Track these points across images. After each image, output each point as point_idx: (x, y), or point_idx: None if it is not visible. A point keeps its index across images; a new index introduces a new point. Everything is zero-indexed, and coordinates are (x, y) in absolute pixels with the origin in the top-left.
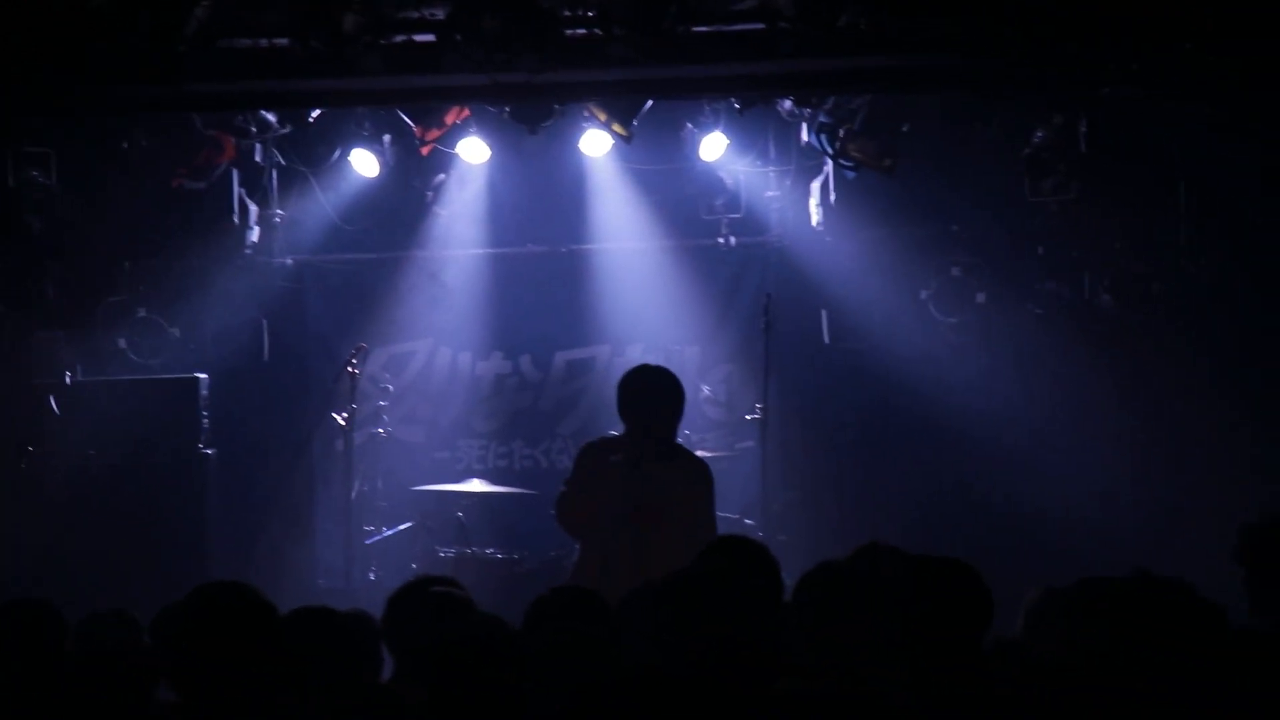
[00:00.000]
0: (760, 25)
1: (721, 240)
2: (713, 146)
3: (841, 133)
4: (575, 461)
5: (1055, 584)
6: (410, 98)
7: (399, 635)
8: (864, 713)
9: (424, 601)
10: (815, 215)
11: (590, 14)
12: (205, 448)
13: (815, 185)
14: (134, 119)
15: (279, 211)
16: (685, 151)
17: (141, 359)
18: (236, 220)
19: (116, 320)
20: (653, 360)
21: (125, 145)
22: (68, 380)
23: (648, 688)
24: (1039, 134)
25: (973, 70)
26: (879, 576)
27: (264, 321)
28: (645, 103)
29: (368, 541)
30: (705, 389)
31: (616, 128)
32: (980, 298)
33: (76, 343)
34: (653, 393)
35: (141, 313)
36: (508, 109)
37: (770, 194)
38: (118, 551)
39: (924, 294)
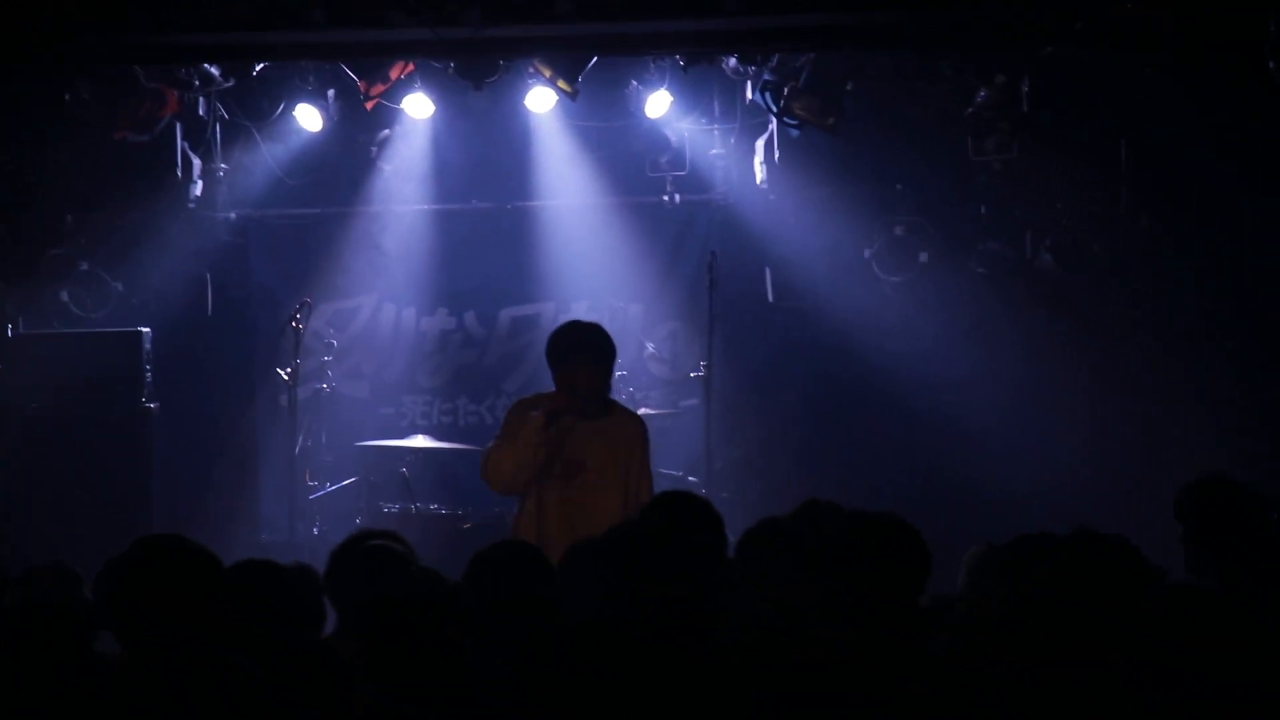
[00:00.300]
0: None
1: (666, 198)
2: (658, 104)
3: (786, 91)
4: (504, 418)
5: (996, 541)
6: (354, 52)
7: (341, 589)
8: (803, 666)
9: (365, 555)
10: (760, 173)
11: None
12: (148, 402)
13: (760, 143)
14: (75, 71)
15: (223, 165)
16: (630, 108)
17: (84, 312)
18: (180, 174)
19: (59, 273)
20: (596, 318)
21: (67, 97)
22: (9, 333)
23: (588, 642)
24: (982, 93)
25: (916, 28)
26: (819, 533)
27: (207, 276)
28: (590, 59)
29: (312, 496)
30: (649, 346)
31: (561, 84)
32: (923, 257)
33: (18, 295)
34: (579, 348)
35: (84, 266)
36: (452, 65)
37: (715, 152)
38: (61, 505)
39: (867, 253)
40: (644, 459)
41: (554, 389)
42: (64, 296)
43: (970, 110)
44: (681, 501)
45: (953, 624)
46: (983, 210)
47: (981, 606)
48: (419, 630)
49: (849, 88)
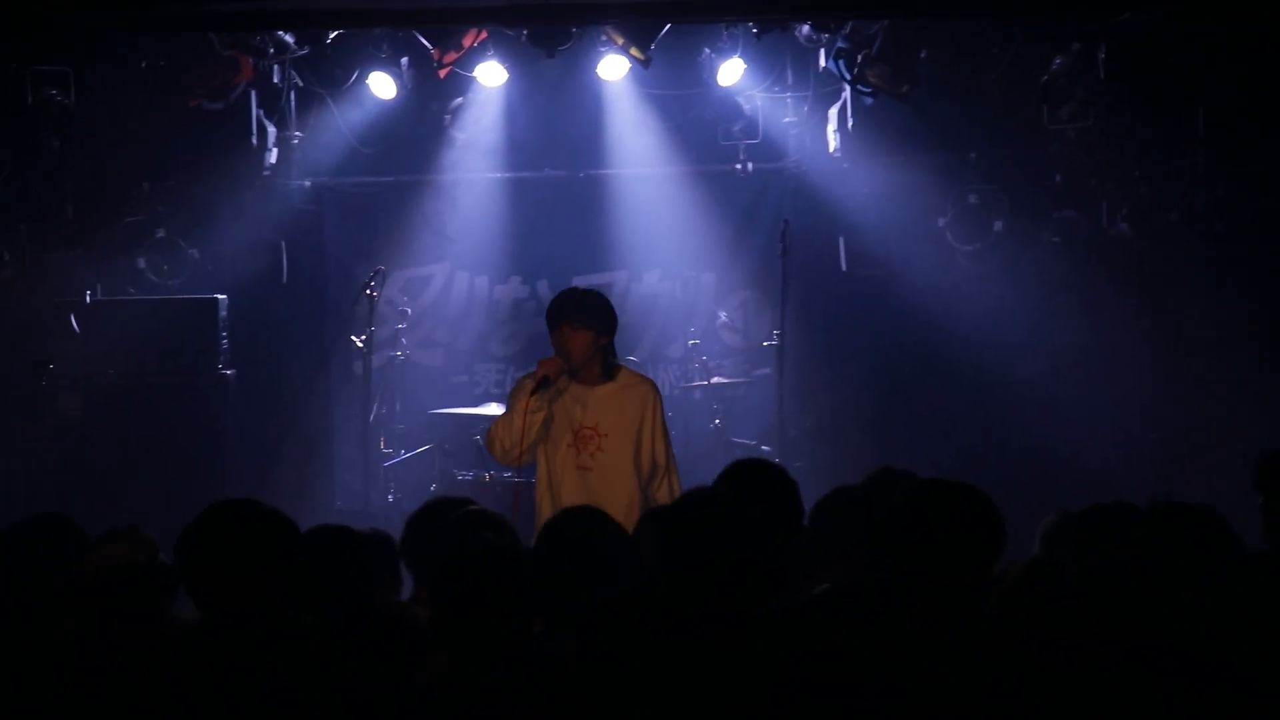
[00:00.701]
0: None
1: (739, 166)
2: (730, 72)
3: (859, 58)
4: (510, 392)
5: (1069, 509)
6: (428, 19)
7: (416, 555)
8: (870, 633)
9: (456, 522)
10: (833, 141)
11: None
12: (224, 369)
13: (833, 111)
14: (152, 38)
15: (297, 133)
16: (703, 77)
17: (160, 279)
18: (255, 142)
19: (135, 240)
20: (669, 286)
21: (143, 65)
22: (87, 299)
23: (657, 608)
24: (1057, 60)
25: None
26: (892, 501)
27: (282, 243)
28: (663, 26)
29: (386, 464)
30: (722, 315)
31: (634, 52)
32: (997, 225)
33: (96, 262)
34: (566, 311)
35: (160, 233)
36: (525, 32)
37: (788, 120)
38: (136, 471)
39: (941, 221)
40: (657, 421)
41: (634, 359)
42: (140, 263)
43: (1045, 78)
44: (756, 469)
45: (1028, 592)
46: (1057, 179)
47: (1057, 575)
48: (491, 596)
49: (922, 55)
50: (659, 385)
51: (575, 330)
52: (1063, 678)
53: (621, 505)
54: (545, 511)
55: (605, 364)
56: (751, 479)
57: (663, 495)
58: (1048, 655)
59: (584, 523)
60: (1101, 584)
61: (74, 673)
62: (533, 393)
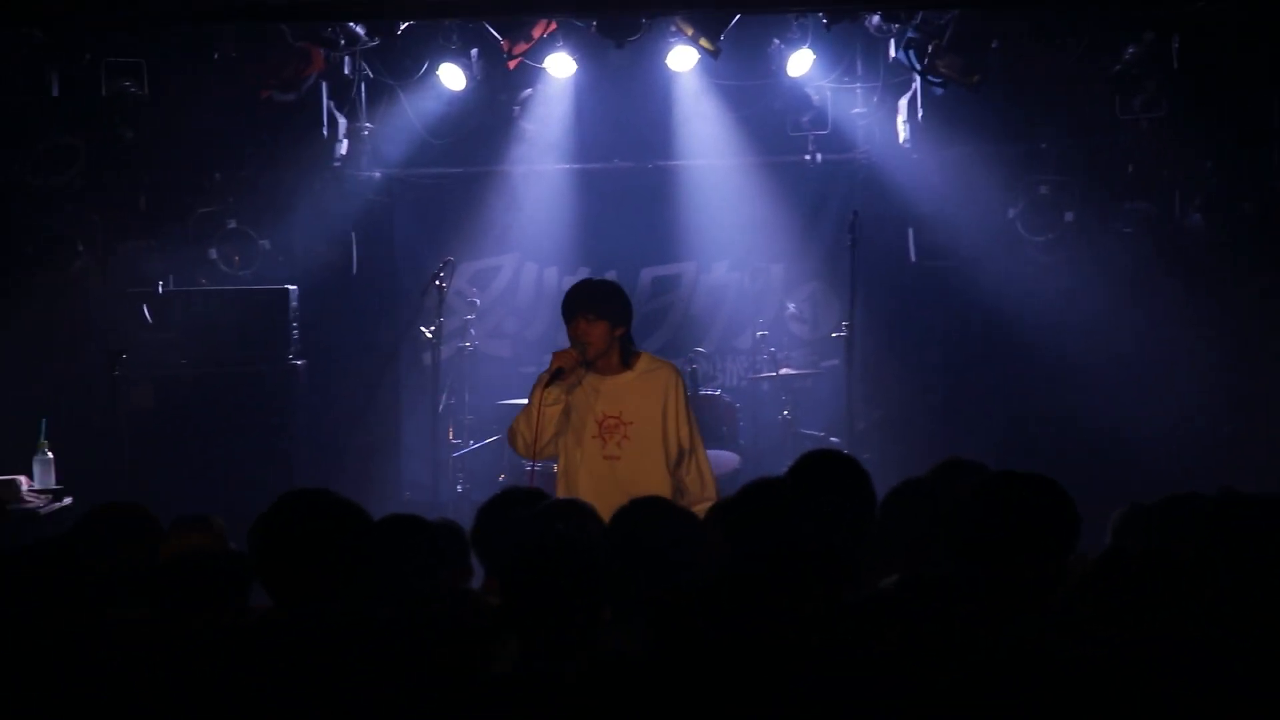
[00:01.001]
0: None
1: (808, 157)
2: (800, 62)
3: (930, 48)
4: (532, 388)
5: (1141, 500)
6: (498, 9)
7: (487, 545)
8: (939, 622)
9: (518, 511)
10: (902, 132)
11: None
12: (294, 359)
13: (903, 102)
14: (224, 29)
15: (367, 125)
16: (772, 67)
17: (231, 270)
18: (325, 133)
19: (207, 231)
20: (738, 277)
21: (216, 56)
22: (160, 290)
23: (727, 596)
24: (1130, 50)
25: None
26: (965, 492)
27: (352, 234)
28: (733, 17)
29: (454, 455)
30: (790, 306)
31: (703, 43)
32: (1068, 216)
33: (168, 252)
34: (576, 301)
35: (232, 224)
36: (594, 23)
37: (857, 110)
38: (208, 460)
39: (1012, 212)
40: (680, 404)
41: (700, 350)
42: (212, 254)
43: (1118, 68)
44: (828, 460)
45: (1101, 583)
46: (1129, 169)
47: (1130, 566)
48: (563, 586)
49: (994, 45)
50: (728, 377)
51: (590, 321)
52: (1135, 670)
53: (650, 492)
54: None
55: (624, 353)
56: (823, 470)
57: (691, 478)
58: (1121, 647)
59: (654, 512)
60: (1175, 575)
61: (148, 660)
62: (546, 385)
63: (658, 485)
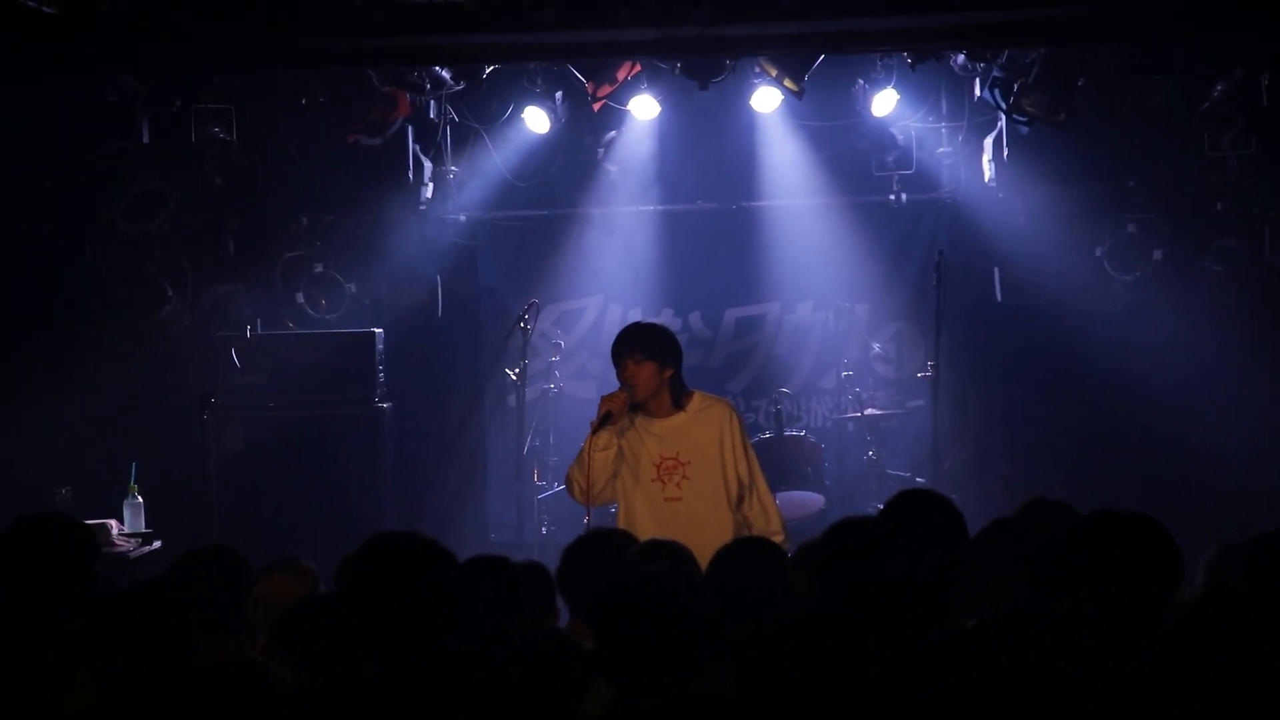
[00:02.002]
0: None
1: (893, 197)
2: (884, 102)
3: (1015, 87)
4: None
5: (1231, 541)
6: (584, 52)
7: (573, 586)
8: (1036, 659)
9: (605, 552)
10: (988, 171)
11: None
12: (381, 401)
13: (988, 141)
14: (312, 75)
15: (453, 168)
16: (856, 107)
17: (318, 313)
18: (411, 177)
19: (294, 275)
20: (822, 317)
21: (303, 101)
22: (248, 334)
23: (815, 634)
24: (1218, 87)
25: (1151, 20)
26: (1050, 531)
27: (438, 277)
28: (817, 57)
29: (540, 496)
30: (876, 346)
31: (788, 83)
32: (1157, 254)
33: (256, 297)
34: (623, 343)
35: (319, 268)
36: (679, 64)
37: (942, 150)
38: (297, 503)
39: (1099, 251)
40: (737, 439)
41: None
42: (299, 298)
43: (1206, 105)
44: (920, 499)
45: (1202, 621)
46: (1219, 207)
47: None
48: (655, 627)
49: (1080, 83)
50: (813, 417)
51: (638, 363)
52: (1237, 707)
53: (714, 530)
54: None
55: (675, 394)
56: (916, 509)
57: (755, 513)
58: (1223, 685)
59: (755, 552)
60: (1272, 613)
61: (242, 704)
62: (596, 430)
63: (720, 523)
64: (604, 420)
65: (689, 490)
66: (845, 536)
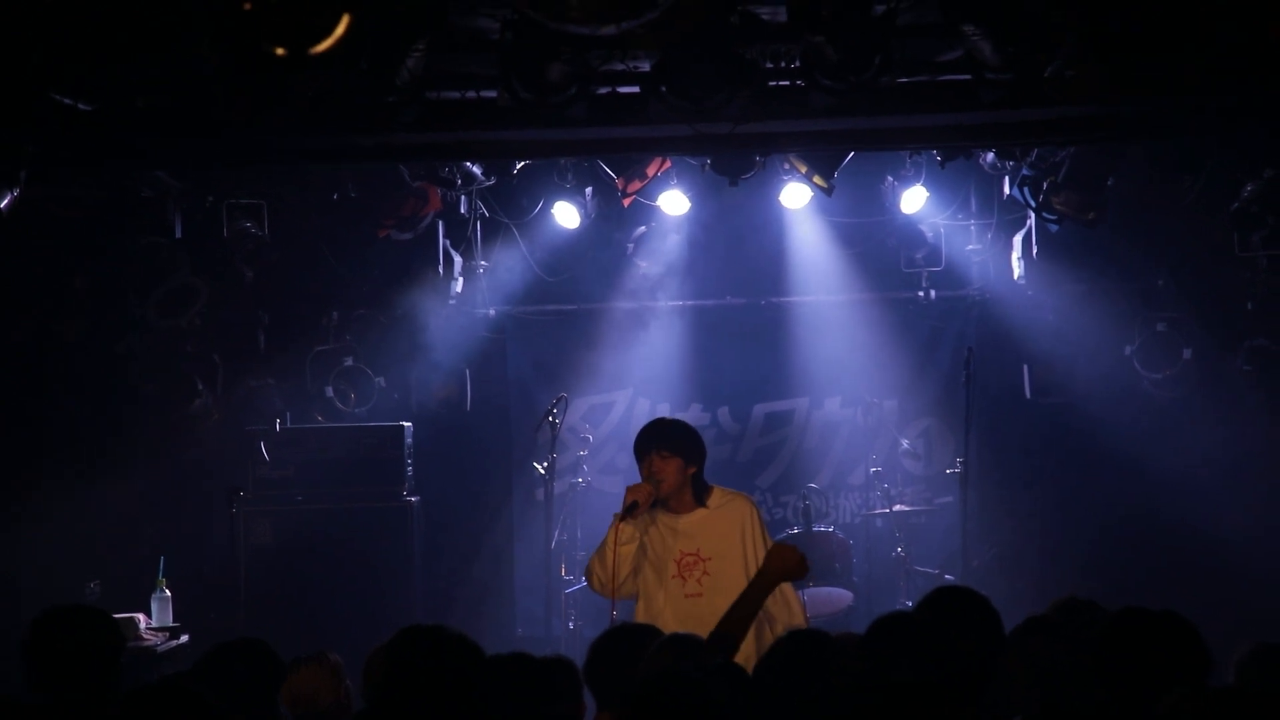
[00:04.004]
0: (965, 76)
1: (922, 293)
2: (913, 199)
3: (1045, 185)
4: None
5: (1267, 639)
6: (614, 148)
7: (600, 680)
8: None
9: (632, 646)
10: (1017, 269)
11: (794, 65)
12: (410, 495)
13: (1017, 239)
14: (344, 170)
15: (483, 263)
16: (886, 204)
17: (347, 407)
18: (441, 271)
19: (324, 369)
20: (850, 413)
21: (335, 196)
22: (277, 427)
23: None
24: (1249, 187)
25: (1180, 117)
26: (1083, 629)
27: (467, 371)
28: (847, 155)
29: (567, 591)
30: (904, 443)
31: (817, 180)
32: (1187, 353)
33: (286, 390)
34: (649, 438)
35: (349, 361)
36: (709, 161)
37: (971, 247)
38: (325, 595)
39: (1129, 349)
40: (758, 534)
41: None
42: (329, 392)
43: (1236, 204)
44: (957, 596)
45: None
46: (1249, 306)
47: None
48: (685, 717)
49: (1110, 182)
50: (841, 513)
51: (664, 458)
52: None
53: None
54: None
55: (696, 490)
56: (954, 606)
57: (778, 606)
58: None
59: (804, 646)
60: None
61: None
62: (621, 519)
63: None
64: (629, 510)
65: (709, 586)
66: (885, 632)
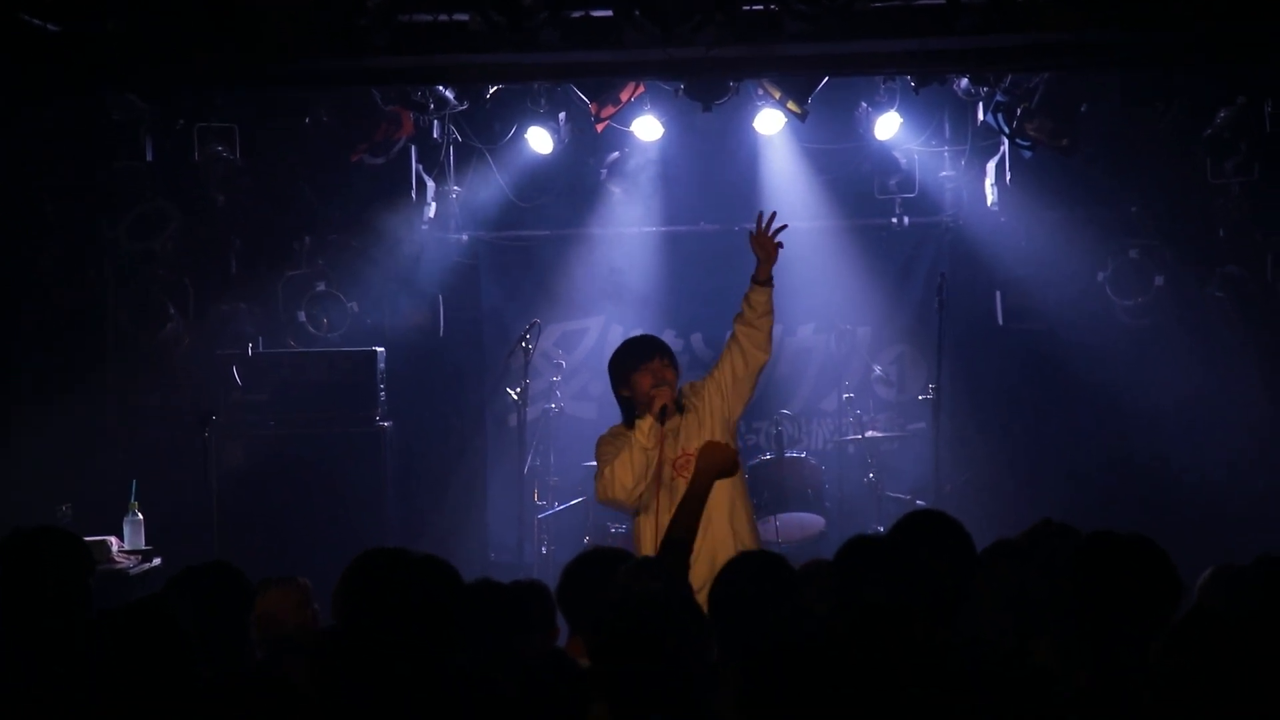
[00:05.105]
0: (940, 1)
1: (895, 220)
2: (887, 126)
3: (1019, 112)
4: (597, 450)
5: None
6: (587, 72)
7: (573, 605)
8: (1040, 684)
9: (605, 571)
10: (990, 195)
11: None
12: (382, 420)
13: (991, 165)
14: (315, 95)
15: (455, 188)
16: (859, 130)
17: (320, 332)
18: (414, 196)
19: (296, 293)
20: (824, 339)
21: (307, 120)
22: (249, 352)
23: (822, 652)
24: (1221, 114)
25: (1155, 47)
26: (1057, 553)
27: (439, 296)
28: (820, 80)
29: (540, 516)
30: (877, 369)
31: (791, 105)
32: (1158, 280)
33: (258, 315)
34: (654, 344)
35: (321, 286)
36: (682, 86)
37: (945, 174)
38: (297, 520)
39: (1101, 276)
40: (707, 388)
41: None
42: (301, 316)
43: (1209, 131)
44: (930, 520)
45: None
46: (1221, 233)
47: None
48: (651, 646)
49: (1083, 109)
50: (813, 439)
51: (665, 366)
52: None
53: (738, 509)
54: (649, 546)
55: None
56: (926, 530)
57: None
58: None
59: (759, 567)
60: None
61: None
62: (658, 419)
63: (738, 494)
64: (662, 412)
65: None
66: (856, 555)
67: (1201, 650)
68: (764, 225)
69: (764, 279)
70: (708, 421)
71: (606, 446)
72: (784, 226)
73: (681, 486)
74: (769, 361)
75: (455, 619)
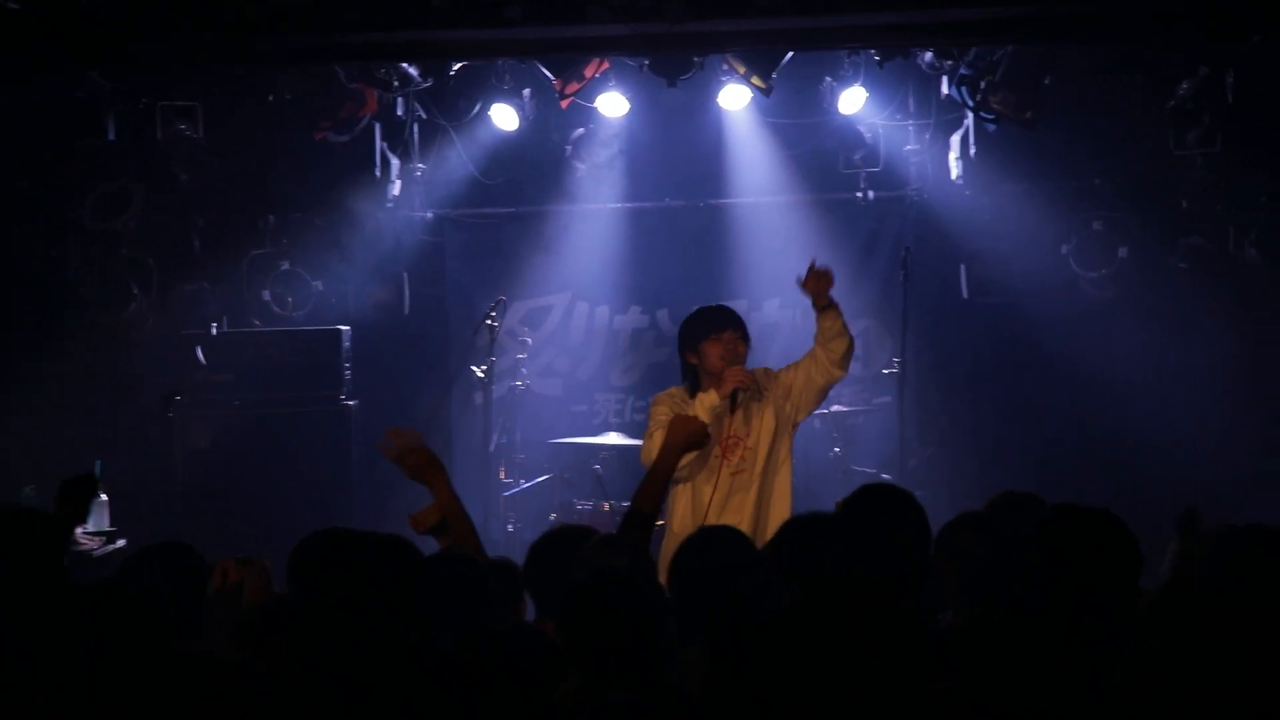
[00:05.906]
0: None
1: (860, 194)
2: (852, 100)
3: (983, 85)
4: (652, 409)
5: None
6: (552, 48)
7: (540, 582)
8: (1005, 656)
9: (572, 548)
10: (955, 169)
11: None
12: (347, 399)
13: (955, 138)
14: (279, 72)
15: (420, 165)
16: (824, 105)
17: (284, 311)
18: (378, 174)
19: (260, 272)
20: (789, 314)
21: (270, 98)
22: (213, 331)
23: (787, 631)
24: (1184, 85)
25: (1119, 20)
26: (1019, 525)
27: (404, 274)
28: (785, 55)
29: (506, 494)
30: None
31: (755, 81)
32: (1122, 252)
33: (222, 294)
34: (730, 319)
35: (285, 265)
36: (647, 62)
37: (909, 147)
38: (262, 499)
39: (1065, 248)
40: (781, 379)
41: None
42: (265, 295)
43: (1172, 103)
44: (883, 494)
45: (1171, 614)
46: (1184, 205)
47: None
48: (622, 620)
49: (1047, 81)
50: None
51: (739, 339)
52: (1206, 704)
53: (786, 495)
54: (680, 516)
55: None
56: (878, 503)
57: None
58: (1194, 678)
59: (722, 543)
60: (1241, 604)
61: (195, 697)
62: (731, 405)
63: (784, 476)
64: (733, 398)
65: (749, 464)
66: (801, 531)
67: (1179, 631)
68: (811, 271)
69: (819, 307)
70: (769, 414)
71: (662, 408)
72: (827, 269)
73: (721, 466)
74: None
75: (410, 594)
